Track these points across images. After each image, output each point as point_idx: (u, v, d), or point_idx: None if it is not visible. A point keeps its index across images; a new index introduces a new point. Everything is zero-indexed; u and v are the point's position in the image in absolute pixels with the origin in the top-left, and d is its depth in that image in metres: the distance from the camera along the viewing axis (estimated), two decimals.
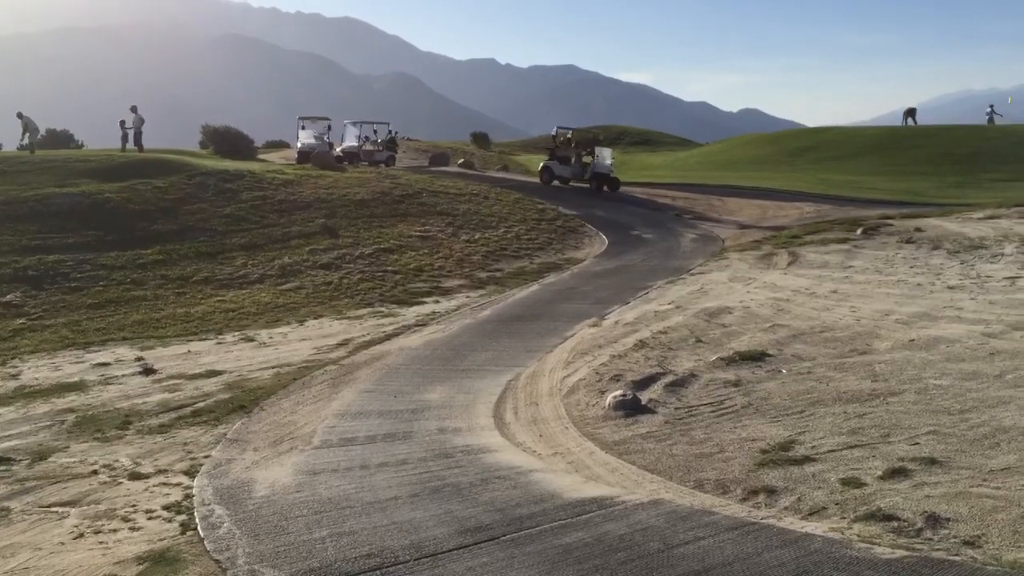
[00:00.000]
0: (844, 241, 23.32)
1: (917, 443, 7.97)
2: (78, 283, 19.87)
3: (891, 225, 25.07)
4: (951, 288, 16.48)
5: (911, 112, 54.55)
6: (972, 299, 15.17)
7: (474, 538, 6.51)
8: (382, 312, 18.58)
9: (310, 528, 6.92)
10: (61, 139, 44.41)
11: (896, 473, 7.24)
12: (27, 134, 33.13)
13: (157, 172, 27.72)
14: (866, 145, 48.24)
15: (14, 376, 14.11)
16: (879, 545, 5.92)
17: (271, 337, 16.61)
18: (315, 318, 18.25)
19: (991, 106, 54.60)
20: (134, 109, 35.38)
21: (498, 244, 25.34)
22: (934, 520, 6.26)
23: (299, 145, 39.79)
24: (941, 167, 40.43)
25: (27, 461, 9.72)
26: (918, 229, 23.75)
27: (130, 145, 34.88)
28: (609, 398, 10.40)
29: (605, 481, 7.95)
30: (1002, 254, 19.31)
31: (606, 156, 37.98)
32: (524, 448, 9.31)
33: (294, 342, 16.11)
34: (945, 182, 36.65)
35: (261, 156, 40.85)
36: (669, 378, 11.12)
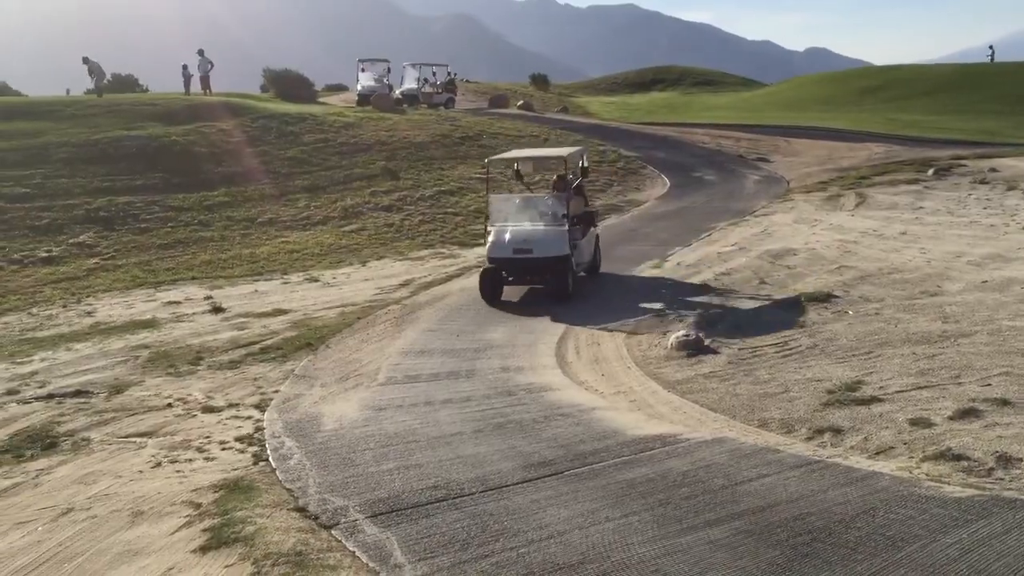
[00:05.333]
0: (914, 182, 22.76)
1: (989, 384, 7.82)
2: (148, 224, 20.33)
3: (964, 165, 24.40)
4: None
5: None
6: None
7: (538, 472, 6.60)
8: (443, 253, 18.69)
9: (377, 460, 7.08)
10: (127, 83, 44.97)
11: (967, 414, 7.12)
12: (94, 78, 33.55)
13: (221, 115, 28.04)
14: (937, 84, 46.64)
15: (89, 313, 14.58)
16: (948, 484, 5.85)
17: (335, 277, 16.85)
18: (377, 259, 18.44)
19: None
20: (201, 52, 35.44)
21: None
22: (1006, 460, 6.16)
23: (359, 88, 39.72)
24: (1018, 105, 39.00)
25: (105, 394, 10.08)
26: (992, 169, 23.07)
27: (195, 89, 35.11)
28: (672, 338, 10.38)
29: (668, 419, 7.96)
30: None
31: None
32: (586, 387, 9.35)
33: (357, 282, 16.31)
34: (1022, 121, 35.37)
35: (321, 99, 40.97)
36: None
